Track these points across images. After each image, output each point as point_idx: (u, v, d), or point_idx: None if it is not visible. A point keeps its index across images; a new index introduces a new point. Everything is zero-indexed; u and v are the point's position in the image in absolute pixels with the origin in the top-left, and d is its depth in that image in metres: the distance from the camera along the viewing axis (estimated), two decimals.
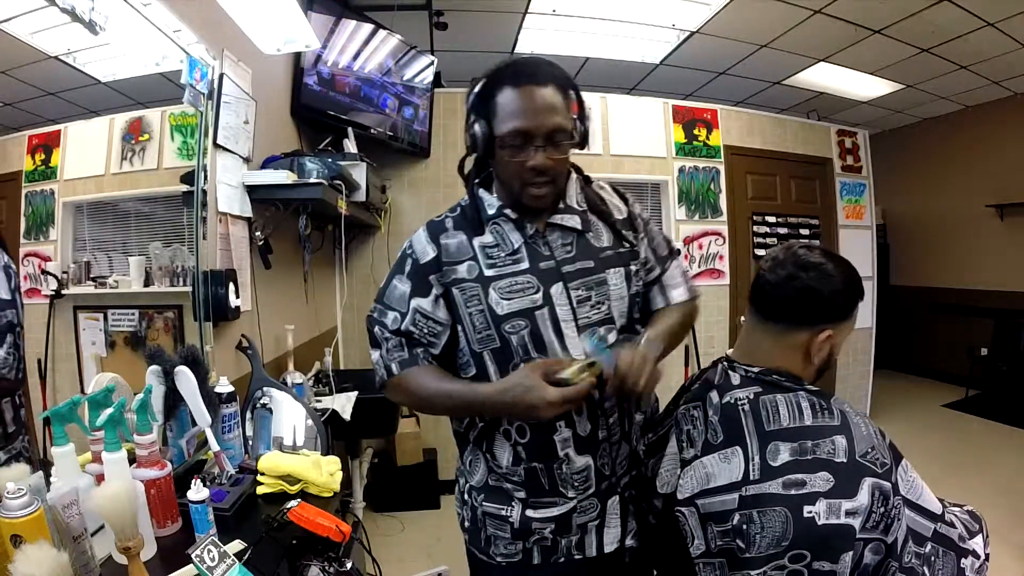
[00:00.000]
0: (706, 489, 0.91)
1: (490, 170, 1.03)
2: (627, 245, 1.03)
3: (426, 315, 0.99)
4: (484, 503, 1.03)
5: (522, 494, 1.00)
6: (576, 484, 0.99)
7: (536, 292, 0.95)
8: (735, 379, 0.96)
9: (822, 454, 0.84)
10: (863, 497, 0.82)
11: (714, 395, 0.97)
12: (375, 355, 1.03)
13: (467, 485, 1.07)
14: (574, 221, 1.01)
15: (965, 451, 3.74)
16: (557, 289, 0.96)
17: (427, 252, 1.00)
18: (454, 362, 1.04)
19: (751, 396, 0.92)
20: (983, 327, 4.94)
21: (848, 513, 0.81)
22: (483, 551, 1.05)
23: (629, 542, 1.05)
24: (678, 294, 1.08)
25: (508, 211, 0.99)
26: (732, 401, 0.93)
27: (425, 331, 1.00)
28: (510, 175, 0.95)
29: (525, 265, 0.97)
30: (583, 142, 0.98)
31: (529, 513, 0.99)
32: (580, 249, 0.99)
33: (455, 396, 0.97)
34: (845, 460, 0.83)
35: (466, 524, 1.08)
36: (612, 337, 0.99)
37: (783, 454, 0.85)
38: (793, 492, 0.83)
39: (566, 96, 0.94)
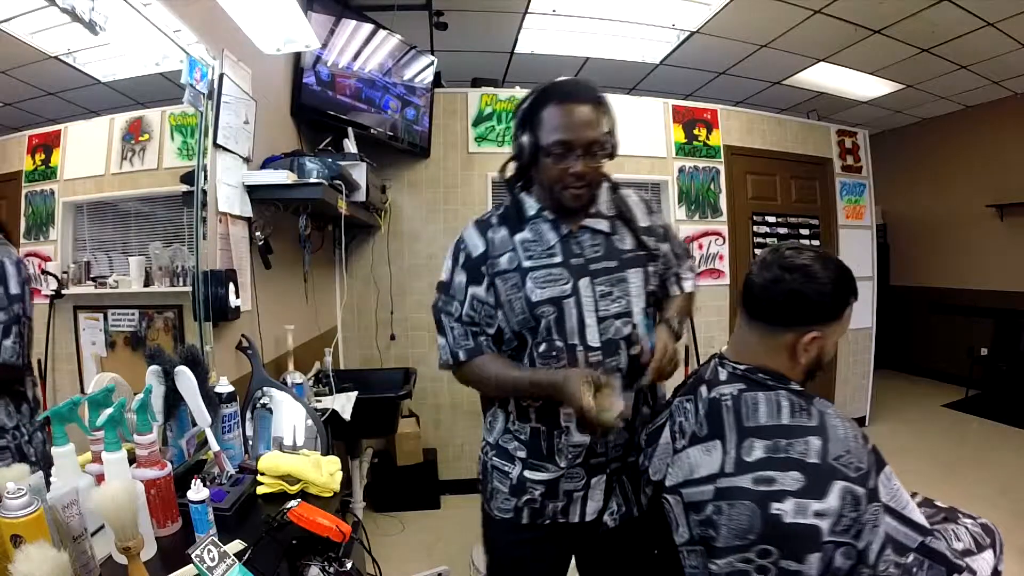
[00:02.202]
0: (689, 479, 0.94)
1: (530, 175, 1.15)
2: (646, 249, 1.17)
3: (482, 300, 1.13)
4: (494, 458, 1.20)
5: (523, 453, 1.16)
6: (568, 455, 1.13)
7: (566, 283, 1.09)
8: (723, 375, 0.98)
9: (795, 453, 0.85)
10: (832, 500, 0.81)
11: (704, 389, 0.99)
12: (441, 340, 1.17)
13: (484, 441, 1.25)
14: (603, 225, 1.15)
15: (965, 451, 3.74)
16: (584, 283, 1.10)
17: (477, 246, 1.13)
18: (501, 338, 1.16)
19: (735, 392, 0.94)
20: (983, 327, 4.95)
21: (816, 514, 0.81)
22: (487, 502, 1.23)
23: (607, 519, 1.17)
24: (688, 285, 1.27)
25: (547, 212, 1.13)
26: (717, 396, 0.96)
27: (483, 314, 1.13)
28: (553, 179, 1.07)
29: (559, 259, 1.11)
30: (613, 154, 1.11)
31: (526, 473, 1.16)
32: (606, 250, 1.13)
33: (520, 380, 1.11)
34: (817, 461, 0.84)
35: (479, 477, 1.26)
36: (627, 330, 1.11)
37: (757, 451, 0.87)
38: (762, 488, 0.84)
39: (602, 114, 1.08)
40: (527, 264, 1.10)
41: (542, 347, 1.11)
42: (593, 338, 1.09)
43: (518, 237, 1.12)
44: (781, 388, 0.93)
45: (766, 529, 0.82)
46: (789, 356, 0.94)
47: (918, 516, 0.88)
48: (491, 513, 1.22)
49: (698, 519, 0.92)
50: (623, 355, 1.11)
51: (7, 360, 0.91)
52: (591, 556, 1.28)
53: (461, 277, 1.14)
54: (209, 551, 0.78)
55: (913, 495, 1.12)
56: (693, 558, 0.94)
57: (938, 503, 1.12)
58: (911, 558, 0.84)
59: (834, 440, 0.86)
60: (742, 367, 0.96)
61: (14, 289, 0.92)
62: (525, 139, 1.08)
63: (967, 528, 0.98)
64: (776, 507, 0.82)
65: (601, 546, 1.22)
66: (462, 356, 1.15)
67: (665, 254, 1.21)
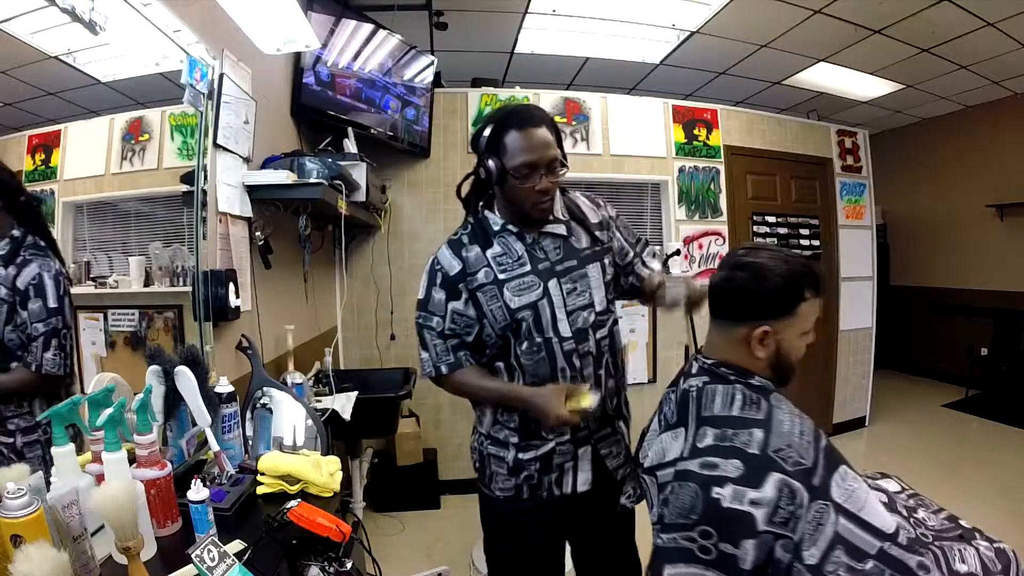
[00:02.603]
0: (661, 462, 1.01)
1: (490, 193, 1.28)
2: (600, 244, 1.31)
3: (461, 313, 1.24)
4: (489, 447, 1.32)
5: (515, 439, 1.27)
6: (555, 429, 1.24)
7: (538, 288, 1.23)
8: (694, 369, 1.07)
9: (738, 443, 0.90)
10: (768, 490, 0.85)
11: (681, 381, 1.08)
12: (424, 355, 1.29)
13: (477, 433, 1.36)
14: (560, 229, 1.28)
15: (965, 451, 3.74)
16: (553, 284, 1.24)
17: (453, 266, 1.24)
18: (483, 344, 1.28)
19: (700, 385, 1.02)
20: (983, 327, 4.95)
21: (752, 502, 0.85)
22: (487, 486, 1.34)
23: (624, 500, 1.28)
24: (655, 265, 1.41)
25: (510, 226, 1.25)
26: (687, 388, 1.04)
27: (462, 326, 1.25)
28: (521, 197, 1.20)
29: (528, 268, 1.23)
30: (566, 165, 1.23)
31: (520, 456, 1.28)
32: (566, 251, 1.27)
33: (496, 392, 1.26)
34: (757, 452, 0.89)
35: (476, 465, 1.37)
36: (592, 318, 1.26)
37: (708, 438, 0.94)
38: (706, 472, 0.90)
39: (554, 132, 1.20)
40: (502, 277, 1.23)
41: (524, 345, 1.24)
42: (565, 330, 1.24)
43: (489, 253, 1.24)
44: (739, 382, 0.99)
45: (707, 511, 0.87)
46: (747, 350, 0.99)
47: (881, 520, 0.88)
48: (493, 494, 1.32)
49: (661, 498, 0.98)
50: (591, 340, 1.26)
51: (50, 371, 0.96)
52: (585, 541, 1.41)
53: (440, 295, 1.24)
54: (209, 551, 0.78)
55: (940, 510, 1.12)
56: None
57: (962, 522, 1.10)
58: (870, 565, 0.84)
59: (776, 434, 0.91)
60: (709, 362, 1.04)
61: (52, 303, 0.95)
62: (491, 164, 1.19)
63: (979, 551, 0.96)
64: (716, 491, 0.87)
65: (595, 528, 1.37)
66: (444, 370, 1.27)
67: (620, 247, 1.36)
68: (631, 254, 1.38)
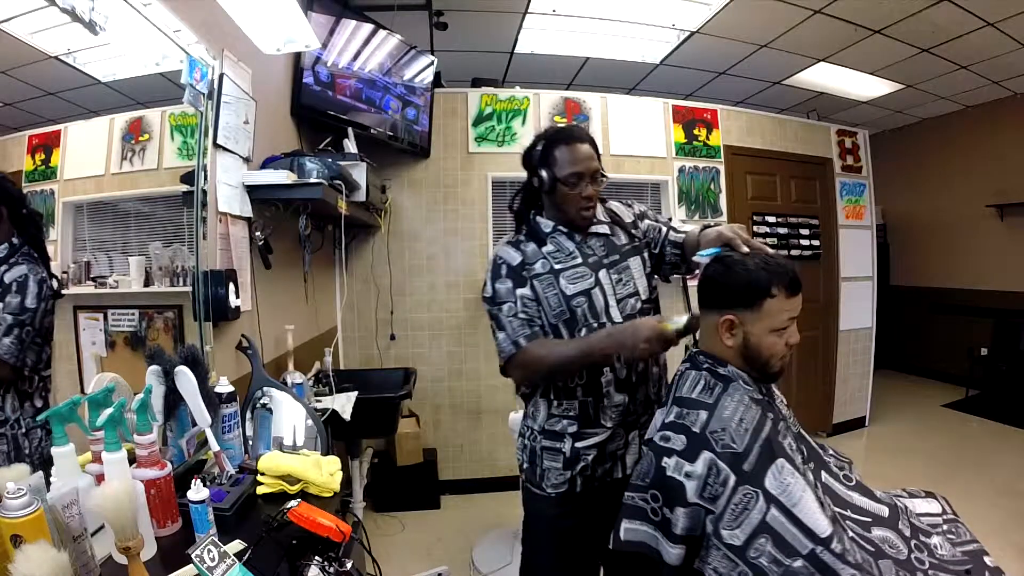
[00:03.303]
0: (653, 436, 1.09)
1: (539, 203, 1.43)
2: (637, 240, 1.46)
3: (529, 299, 1.34)
4: (543, 441, 1.38)
5: (573, 428, 1.35)
6: (612, 416, 1.34)
7: (591, 277, 1.36)
8: (685, 355, 1.19)
9: (687, 422, 1.02)
10: (699, 466, 0.96)
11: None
12: (501, 335, 1.34)
13: (528, 430, 1.42)
14: (603, 229, 1.43)
15: (965, 451, 3.74)
16: (603, 274, 1.37)
17: (514, 258, 1.37)
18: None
19: (683, 369, 1.15)
20: (983, 327, 4.94)
21: (686, 474, 0.96)
22: (537, 485, 1.40)
23: None
24: (688, 226, 1.47)
25: (560, 227, 1.40)
26: (677, 372, 1.17)
27: (532, 311, 1.34)
28: (569, 202, 1.35)
29: (580, 261, 1.37)
30: (606, 177, 1.39)
31: (577, 445, 1.35)
32: (609, 247, 1.41)
33: (576, 348, 1.26)
34: (698, 431, 1.00)
35: (524, 465, 1.44)
36: (639, 305, 1.38)
37: (671, 415, 1.06)
38: (662, 444, 1.02)
39: (595, 148, 1.37)
40: (558, 267, 1.36)
41: (584, 332, 1.33)
42: (616, 315, 1.35)
43: (544, 249, 1.38)
44: (709, 370, 1.09)
45: (656, 477, 0.99)
46: (719, 338, 1.09)
47: (814, 521, 0.89)
48: (543, 492, 1.39)
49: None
50: None
51: (1, 355, 0.95)
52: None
53: (507, 284, 1.34)
54: (209, 551, 0.78)
55: (969, 542, 1.09)
56: None
57: (988, 560, 1.06)
58: (798, 563, 0.86)
59: (717, 418, 1.01)
60: (695, 349, 1.16)
61: (30, 302, 0.99)
62: (544, 173, 1.34)
63: None
64: (665, 460, 0.99)
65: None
66: (523, 342, 1.32)
67: (650, 227, 1.49)
68: (664, 228, 1.48)
